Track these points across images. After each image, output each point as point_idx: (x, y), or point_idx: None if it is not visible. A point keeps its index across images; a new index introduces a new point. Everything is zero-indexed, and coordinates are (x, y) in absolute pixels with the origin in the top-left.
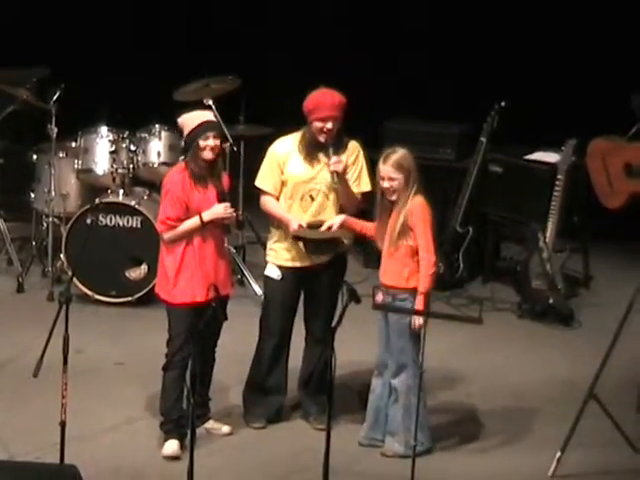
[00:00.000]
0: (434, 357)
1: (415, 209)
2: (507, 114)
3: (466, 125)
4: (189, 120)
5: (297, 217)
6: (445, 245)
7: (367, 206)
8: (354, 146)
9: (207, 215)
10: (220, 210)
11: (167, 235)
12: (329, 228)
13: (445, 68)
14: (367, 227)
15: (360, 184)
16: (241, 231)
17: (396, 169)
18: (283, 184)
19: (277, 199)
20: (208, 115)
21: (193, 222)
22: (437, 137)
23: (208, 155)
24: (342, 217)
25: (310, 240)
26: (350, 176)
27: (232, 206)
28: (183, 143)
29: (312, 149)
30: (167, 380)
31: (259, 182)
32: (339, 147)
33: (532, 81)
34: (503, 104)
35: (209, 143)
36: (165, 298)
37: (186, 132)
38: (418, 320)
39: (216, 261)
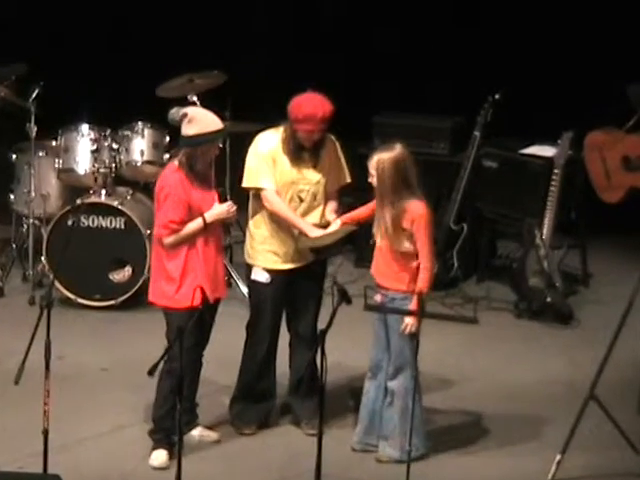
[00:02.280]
0: (429, 358)
1: (419, 217)
2: (502, 107)
3: (459, 118)
4: (206, 119)
5: (311, 225)
6: (439, 243)
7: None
8: (332, 142)
9: (210, 216)
10: (223, 210)
11: (169, 240)
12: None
13: (437, 60)
14: (360, 214)
15: (340, 178)
16: (228, 230)
17: (372, 167)
18: None
19: None
20: (217, 118)
21: (196, 224)
22: (429, 131)
23: (210, 160)
24: (338, 221)
25: (319, 248)
26: (332, 173)
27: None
28: (180, 137)
29: (297, 151)
30: (164, 387)
31: (260, 181)
32: (322, 147)
33: (527, 72)
34: (497, 97)
35: (217, 151)
36: (166, 304)
37: (198, 128)
38: (410, 323)
39: (216, 262)
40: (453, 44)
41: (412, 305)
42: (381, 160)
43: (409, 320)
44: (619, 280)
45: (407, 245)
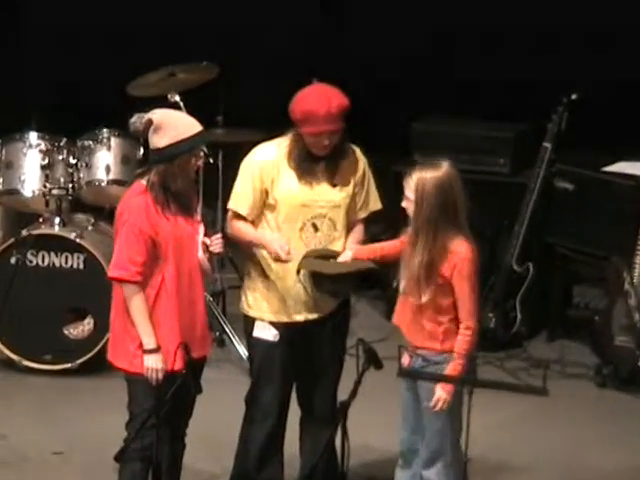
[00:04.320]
0: (480, 440)
1: (461, 262)
2: (579, 111)
3: (524, 126)
4: (177, 123)
5: (281, 237)
6: (497, 289)
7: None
8: (357, 158)
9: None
10: None
11: (127, 290)
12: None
13: (494, 51)
14: (388, 248)
15: (369, 203)
16: (219, 272)
17: (410, 188)
18: (267, 207)
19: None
20: (192, 119)
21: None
22: (484, 143)
23: (193, 174)
24: (354, 248)
25: (323, 276)
26: (357, 197)
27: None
28: (149, 151)
29: (308, 163)
30: (126, 475)
31: (231, 203)
32: (341, 158)
33: (611, 68)
34: (574, 97)
35: (200, 162)
36: (125, 367)
37: (169, 137)
38: (444, 394)
39: (193, 315)
40: (514, 30)
41: (449, 369)
42: (422, 180)
43: (441, 393)
44: None
45: (447, 299)
